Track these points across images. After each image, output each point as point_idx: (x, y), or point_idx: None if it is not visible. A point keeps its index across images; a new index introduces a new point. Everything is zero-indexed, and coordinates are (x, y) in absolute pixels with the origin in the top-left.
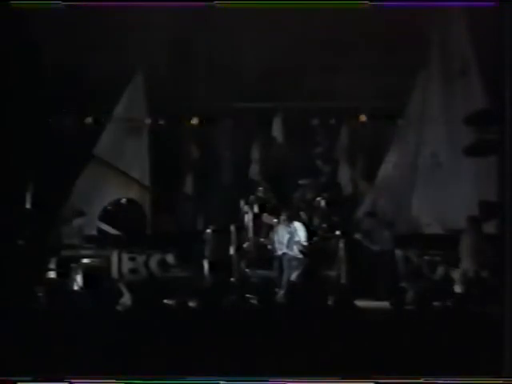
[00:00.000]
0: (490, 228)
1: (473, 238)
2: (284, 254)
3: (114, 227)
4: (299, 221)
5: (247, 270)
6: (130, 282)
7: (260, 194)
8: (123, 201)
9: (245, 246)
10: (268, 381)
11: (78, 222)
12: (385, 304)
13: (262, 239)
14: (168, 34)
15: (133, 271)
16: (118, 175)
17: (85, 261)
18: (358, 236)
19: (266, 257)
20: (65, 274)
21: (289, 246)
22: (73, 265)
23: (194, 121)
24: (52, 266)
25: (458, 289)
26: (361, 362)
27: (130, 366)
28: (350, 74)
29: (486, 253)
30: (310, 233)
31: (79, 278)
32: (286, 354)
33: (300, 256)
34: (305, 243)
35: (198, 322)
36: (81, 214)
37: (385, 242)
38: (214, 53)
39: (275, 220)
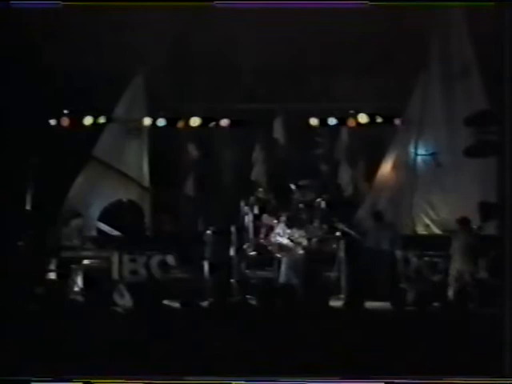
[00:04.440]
0: (489, 228)
1: (465, 239)
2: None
3: (114, 228)
4: (297, 222)
5: (247, 271)
6: (130, 284)
7: (260, 195)
8: (123, 202)
9: (245, 247)
10: (268, 381)
11: (76, 223)
12: (385, 304)
13: (261, 240)
14: (168, 34)
15: (133, 272)
16: (117, 176)
17: (85, 262)
18: (359, 236)
19: (266, 258)
20: (65, 275)
21: (286, 246)
22: (73, 266)
23: (194, 121)
24: (52, 267)
25: (457, 289)
26: (361, 362)
27: (130, 366)
28: (350, 75)
29: (480, 253)
30: (308, 234)
31: (79, 279)
32: (287, 354)
33: (295, 257)
34: (302, 244)
35: (199, 323)
36: (77, 215)
37: (383, 241)
38: (213, 53)
39: (275, 221)
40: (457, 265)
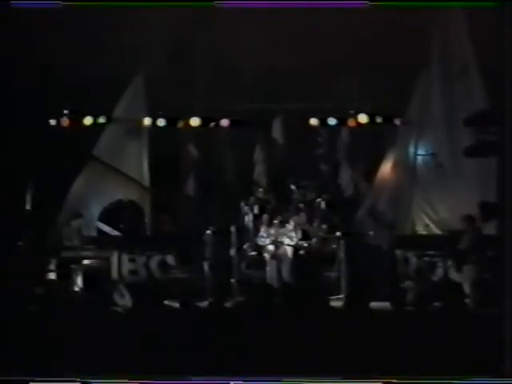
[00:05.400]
0: (490, 228)
1: (470, 237)
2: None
3: (114, 228)
4: (297, 222)
5: (247, 271)
6: (130, 284)
7: (260, 195)
8: (123, 202)
9: (245, 247)
10: (268, 381)
11: (76, 223)
12: (385, 305)
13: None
14: (168, 34)
15: (133, 272)
16: (117, 176)
17: (85, 262)
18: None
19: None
20: (65, 275)
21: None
22: (73, 266)
23: (194, 121)
24: (52, 267)
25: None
26: (361, 362)
27: (130, 366)
28: (350, 75)
29: (484, 252)
30: (307, 234)
31: (79, 279)
32: (287, 354)
33: (293, 257)
34: (297, 244)
35: (199, 323)
36: (78, 215)
37: (383, 241)
38: (214, 53)
39: (275, 221)
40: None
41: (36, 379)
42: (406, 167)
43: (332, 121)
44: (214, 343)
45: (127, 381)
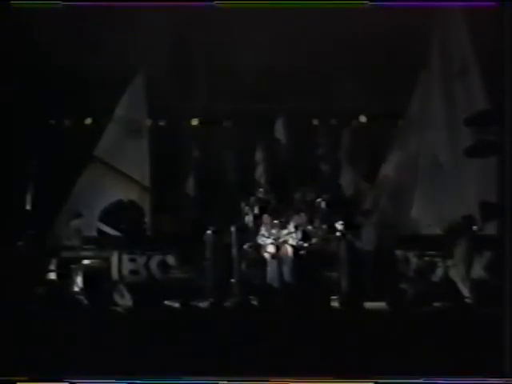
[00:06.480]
0: (490, 229)
1: (469, 237)
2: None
3: (114, 228)
4: (296, 223)
5: (247, 271)
6: (130, 283)
7: (260, 195)
8: (124, 202)
9: (245, 247)
10: (268, 381)
11: (76, 223)
12: (385, 305)
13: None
14: (168, 34)
15: (133, 272)
16: (118, 176)
17: (85, 262)
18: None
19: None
20: (65, 275)
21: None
22: (73, 266)
23: (194, 122)
24: (52, 267)
25: (457, 289)
26: (361, 362)
27: (129, 366)
28: (350, 75)
29: (484, 252)
30: (307, 235)
31: (79, 280)
32: (286, 354)
33: (293, 257)
34: (297, 244)
35: (199, 323)
36: (78, 215)
37: (379, 241)
38: (214, 53)
39: (276, 221)
40: (459, 264)
41: (34, 379)
42: (406, 167)
43: (333, 121)
44: (213, 343)
45: (126, 381)
